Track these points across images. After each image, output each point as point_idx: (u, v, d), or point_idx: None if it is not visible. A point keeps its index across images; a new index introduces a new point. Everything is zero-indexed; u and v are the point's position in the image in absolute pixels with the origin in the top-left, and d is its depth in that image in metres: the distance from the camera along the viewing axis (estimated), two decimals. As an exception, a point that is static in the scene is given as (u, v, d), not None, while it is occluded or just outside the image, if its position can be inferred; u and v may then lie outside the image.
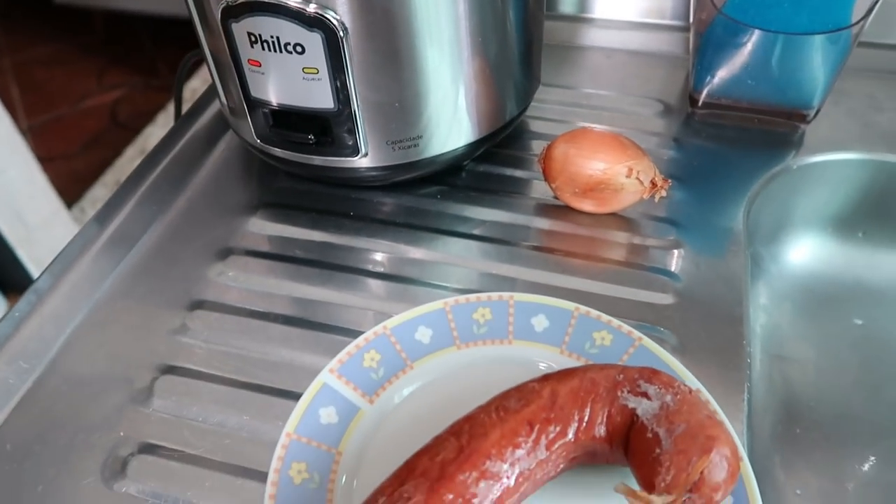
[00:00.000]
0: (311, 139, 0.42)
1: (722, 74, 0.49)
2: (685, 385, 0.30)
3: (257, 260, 0.45)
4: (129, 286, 0.44)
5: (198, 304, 0.42)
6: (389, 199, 0.48)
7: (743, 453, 0.31)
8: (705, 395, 0.33)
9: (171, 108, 1.93)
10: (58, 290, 0.43)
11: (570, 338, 0.36)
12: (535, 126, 0.53)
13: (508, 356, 0.37)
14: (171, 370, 0.39)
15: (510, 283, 0.42)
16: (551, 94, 0.55)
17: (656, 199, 0.43)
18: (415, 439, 0.30)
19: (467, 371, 0.36)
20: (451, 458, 0.28)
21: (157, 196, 0.49)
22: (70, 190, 1.69)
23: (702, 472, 0.27)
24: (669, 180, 0.43)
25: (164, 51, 2.16)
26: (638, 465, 0.29)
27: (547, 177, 0.44)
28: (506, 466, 0.28)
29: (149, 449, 0.35)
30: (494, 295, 0.38)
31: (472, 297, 0.38)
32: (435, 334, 0.37)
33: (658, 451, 0.28)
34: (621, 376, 0.30)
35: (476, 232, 0.46)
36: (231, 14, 0.38)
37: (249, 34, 0.38)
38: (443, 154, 0.45)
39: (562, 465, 0.30)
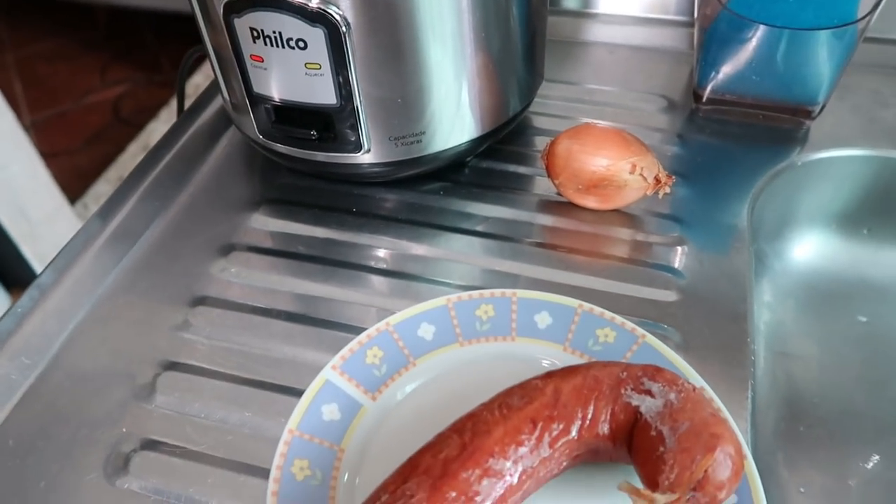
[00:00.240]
0: (313, 135, 0.42)
1: (726, 70, 0.49)
2: (689, 383, 0.30)
3: (260, 256, 0.44)
4: (132, 282, 0.43)
5: (200, 301, 0.42)
6: (392, 196, 0.48)
7: (747, 451, 0.31)
8: (709, 392, 0.33)
9: (173, 104, 1.93)
10: (60, 286, 0.43)
11: (573, 335, 0.36)
12: (539, 122, 0.53)
13: (511, 353, 0.36)
14: (173, 366, 0.39)
15: (513, 280, 0.42)
16: (554, 90, 0.55)
17: (660, 196, 0.43)
18: (417, 436, 0.30)
19: (470, 368, 0.36)
20: (454, 456, 0.28)
21: (160, 192, 0.49)
22: (73, 186, 1.69)
23: (706, 471, 0.26)
24: (673, 177, 0.43)
25: (167, 46, 2.16)
26: (641, 463, 0.28)
27: (550, 173, 0.44)
28: (509, 464, 0.28)
29: (151, 445, 0.35)
30: (497, 292, 0.38)
31: (475, 293, 0.38)
32: (438, 331, 0.37)
33: (662, 449, 0.28)
34: (625, 374, 0.30)
35: (479, 228, 0.45)
36: (233, 9, 0.38)
37: (252, 29, 0.38)
38: (446, 150, 0.45)
39: (565, 463, 0.30)
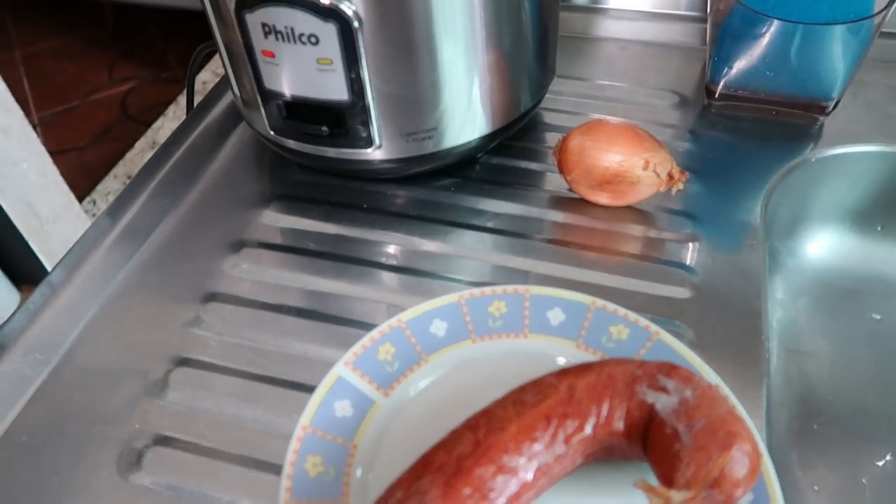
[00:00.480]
0: (324, 131, 0.42)
1: (739, 65, 0.48)
2: (704, 380, 0.29)
3: (271, 252, 0.44)
4: (143, 279, 0.44)
5: (211, 297, 0.42)
6: (403, 192, 0.48)
7: (763, 449, 0.30)
8: (725, 390, 0.33)
9: (181, 101, 1.93)
10: (71, 283, 0.43)
11: (586, 332, 0.36)
12: (550, 118, 0.53)
13: (524, 350, 0.36)
14: (185, 362, 0.39)
15: (524, 277, 0.42)
16: (566, 86, 0.55)
17: (673, 192, 0.43)
18: (430, 433, 0.29)
19: (482, 365, 0.36)
20: (468, 453, 0.28)
21: (170, 189, 0.49)
22: (81, 183, 1.69)
23: (722, 469, 0.26)
24: (687, 173, 0.42)
25: (174, 43, 2.16)
26: (657, 461, 0.28)
27: (562, 169, 0.44)
28: (523, 461, 0.28)
29: (164, 441, 0.35)
30: (510, 288, 0.38)
31: (488, 290, 0.38)
32: (450, 327, 0.37)
33: (678, 446, 0.27)
34: (640, 371, 0.30)
35: (490, 225, 0.45)
36: (245, 5, 0.37)
37: (263, 25, 0.38)
38: (457, 147, 0.45)
39: (579, 461, 0.29)
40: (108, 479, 0.34)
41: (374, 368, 0.35)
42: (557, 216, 0.45)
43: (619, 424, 0.29)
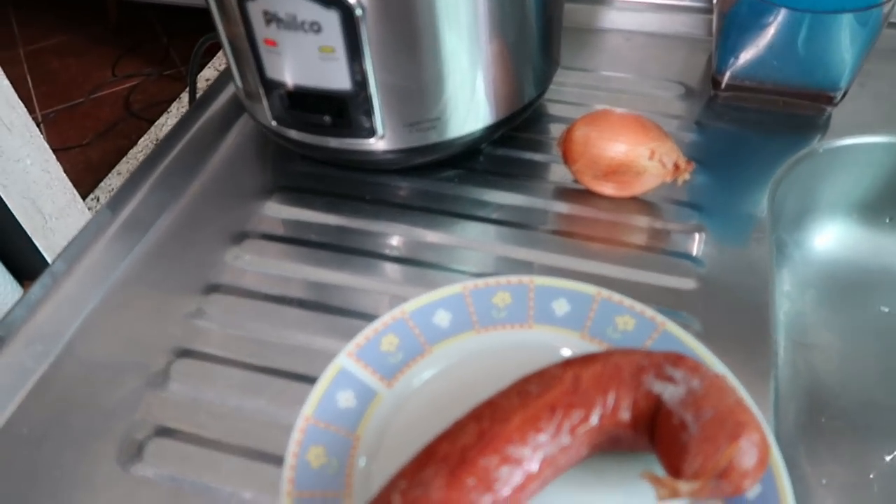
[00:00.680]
0: (327, 120, 0.41)
1: (746, 56, 0.48)
2: (712, 370, 0.29)
3: (273, 244, 0.44)
4: (145, 270, 0.43)
5: (213, 288, 0.42)
6: (406, 183, 0.47)
7: (772, 440, 0.30)
8: (732, 381, 0.32)
9: (184, 98, 1.93)
10: (73, 275, 0.43)
11: (591, 322, 0.36)
12: (554, 109, 0.52)
13: (528, 341, 0.36)
14: (187, 354, 0.38)
15: (528, 268, 0.41)
16: (570, 77, 0.54)
17: (679, 183, 0.42)
18: (434, 424, 0.29)
19: (486, 355, 0.35)
20: (472, 443, 0.27)
21: (171, 181, 0.49)
22: (84, 180, 1.69)
23: (731, 459, 0.26)
24: (693, 163, 0.42)
25: (177, 41, 2.16)
26: (664, 452, 0.28)
27: (567, 159, 0.44)
28: (528, 452, 0.27)
29: (165, 432, 0.35)
30: (514, 279, 0.37)
31: (492, 280, 0.37)
32: (454, 318, 0.36)
33: (685, 437, 0.27)
34: (646, 361, 0.29)
35: (494, 216, 0.45)
36: (247, -8, 0.37)
37: (265, 12, 0.37)
38: (460, 137, 0.44)
39: (585, 452, 0.29)
40: (109, 471, 0.34)
41: (378, 359, 0.35)
42: (562, 207, 0.45)
43: (626, 415, 0.29)
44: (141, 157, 1.76)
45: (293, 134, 0.44)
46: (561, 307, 0.36)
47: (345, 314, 0.40)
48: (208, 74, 1.97)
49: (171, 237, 0.45)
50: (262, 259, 0.43)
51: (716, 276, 0.40)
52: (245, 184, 0.49)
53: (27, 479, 0.34)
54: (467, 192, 0.46)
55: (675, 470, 0.27)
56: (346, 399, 0.33)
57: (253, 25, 0.39)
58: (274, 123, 0.44)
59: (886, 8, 0.43)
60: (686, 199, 0.45)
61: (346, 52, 0.38)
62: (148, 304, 0.41)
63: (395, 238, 0.44)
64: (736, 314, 0.38)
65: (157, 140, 1.80)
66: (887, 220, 0.51)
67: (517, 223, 0.44)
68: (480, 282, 0.37)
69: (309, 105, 0.42)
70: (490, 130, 0.45)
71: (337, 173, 0.48)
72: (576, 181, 0.45)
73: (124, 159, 1.77)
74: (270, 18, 0.37)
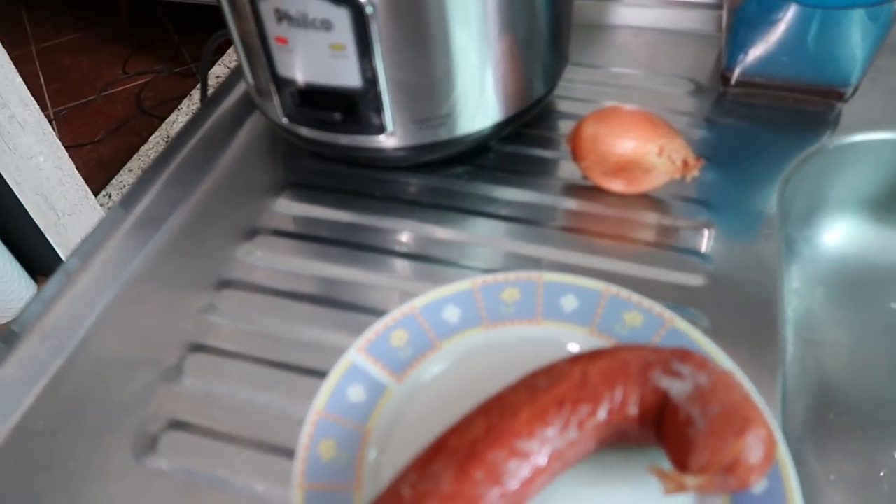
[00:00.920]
0: (337, 117, 0.42)
1: (756, 52, 0.48)
2: (719, 366, 0.29)
3: (284, 240, 0.45)
4: (158, 266, 0.44)
5: (225, 284, 0.42)
6: (416, 180, 0.48)
7: (779, 436, 0.30)
8: (740, 377, 0.33)
9: (195, 95, 1.94)
10: (87, 271, 0.43)
11: (599, 318, 0.36)
12: (563, 106, 0.52)
13: (537, 336, 0.36)
14: (199, 349, 0.39)
15: (537, 264, 0.42)
16: (579, 74, 0.54)
17: (688, 180, 0.42)
18: (443, 418, 0.29)
19: (495, 351, 0.36)
20: (481, 437, 0.28)
21: (184, 178, 0.49)
22: (96, 176, 1.71)
23: (737, 454, 0.26)
24: (702, 160, 0.42)
25: (189, 38, 2.17)
26: (671, 447, 0.28)
27: (576, 156, 0.44)
28: (536, 446, 0.28)
29: (179, 426, 0.35)
30: (523, 274, 0.38)
31: (501, 276, 0.38)
32: (463, 314, 0.37)
33: (692, 432, 0.27)
34: (654, 357, 0.30)
35: (503, 212, 0.45)
36: (258, -9, 0.37)
37: (277, 10, 0.38)
38: (470, 134, 0.44)
39: (592, 446, 0.29)
40: (123, 463, 0.34)
41: (388, 354, 0.35)
42: (571, 204, 0.45)
43: (633, 410, 0.29)
44: (152, 153, 1.77)
45: (304, 131, 0.45)
46: (569, 303, 0.37)
47: (355, 310, 0.40)
48: (219, 72, 1.98)
49: (183, 234, 0.46)
50: (273, 255, 0.44)
51: (724, 273, 0.40)
52: (256, 180, 0.49)
53: (43, 470, 0.34)
54: (477, 188, 0.47)
55: (682, 464, 0.27)
56: (356, 393, 0.34)
57: (264, 23, 0.39)
58: (285, 120, 0.45)
59: (897, 4, 0.43)
60: (695, 196, 0.45)
61: (356, 49, 0.38)
62: (161, 299, 0.42)
63: (405, 234, 0.44)
64: (744, 310, 0.38)
65: (168, 137, 1.81)
66: (897, 217, 0.51)
67: (526, 219, 0.44)
68: (489, 278, 0.38)
69: (319, 102, 0.42)
70: (499, 127, 0.46)
71: (347, 170, 0.49)
72: (585, 178, 0.45)
73: (136, 156, 1.78)
74: (282, 16, 0.38)
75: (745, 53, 0.48)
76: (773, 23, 0.46)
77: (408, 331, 0.36)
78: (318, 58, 0.39)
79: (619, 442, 0.30)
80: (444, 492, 0.26)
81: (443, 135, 0.44)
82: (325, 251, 0.44)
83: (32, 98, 1.23)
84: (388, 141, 0.43)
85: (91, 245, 0.45)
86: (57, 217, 1.32)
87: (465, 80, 0.41)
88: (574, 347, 0.36)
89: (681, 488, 0.26)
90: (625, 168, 0.42)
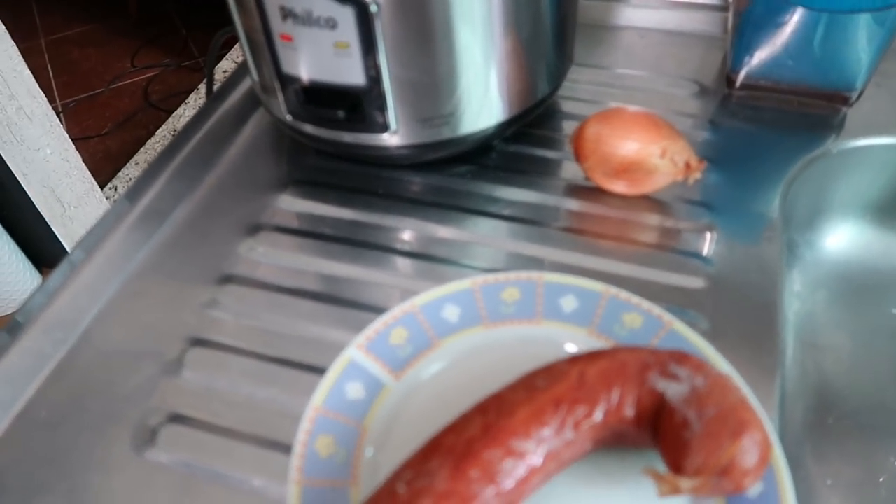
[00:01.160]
0: (341, 115, 0.42)
1: (761, 54, 0.48)
2: (716, 369, 0.29)
3: (287, 236, 0.45)
4: (161, 260, 0.44)
5: (228, 279, 0.42)
6: (419, 178, 0.48)
7: (775, 439, 0.30)
8: (737, 380, 0.33)
9: (202, 89, 1.95)
10: (91, 264, 0.44)
11: (599, 319, 0.36)
12: (567, 106, 0.52)
13: (536, 336, 0.36)
14: (201, 343, 0.39)
15: (539, 264, 0.42)
16: (584, 75, 0.54)
17: (690, 182, 0.42)
18: (441, 417, 0.30)
19: (494, 350, 0.36)
20: (477, 436, 0.28)
21: (188, 173, 0.50)
22: (103, 169, 1.72)
23: (732, 457, 0.26)
24: (704, 162, 0.42)
25: (197, 32, 2.18)
26: (667, 449, 0.28)
27: (578, 157, 0.44)
28: (532, 445, 0.28)
29: (179, 419, 0.36)
30: (523, 275, 0.38)
31: (501, 276, 0.38)
32: (463, 313, 0.37)
33: (687, 434, 0.27)
34: (651, 359, 0.30)
35: (505, 212, 0.45)
36: (263, -12, 0.38)
37: (282, 8, 0.38)
38: (473, 133, 0.44)
39: (588, 447, 0.29)
40: (123, 455, 0.35)
41: (387, 352, 0.35)
42: (573, 204, 0.45)
43: (630, 411, 0.29)
44: (158, 147, 1.78)
45: (308, 128, 0.45)
46: (569, 304, 0.37)
47: (356, 307, 0.40)
48: (226, 66, 1.98)
49: (187, 228, 0.46)
50: (275, 251, 0.44)
51: (725, 276, 0.40)
52: (260, 177, 0.49)
53: (44, 461, 0.35)
54: (479, 188, 0.47)
55: (677, 467, 0.27)
56: (355, 390, 0.34)
57: (269, 20, 0.39)
58: (289, 118, 0.45)
59: (904, 8, 0.43)
60: (698, 198, 0.45)
61: (360, 47, 0.38)
62: (163, 293, 0.42)
63: (407, 232, 0.44)
64: (744, 313, 0.38)
65: (175, 131, 1.82)
66: (901, 222, 0.51)
67: (529, 220, 0.45)
68: (490, 277, 0.38)
69: (323, 100, 0.42)
70: (503, 127, 0.46)
71: (350, 168, 0.49)
72: (587, 179, 0.45)
73: (142, 149, 1.79)
74: (287, 14, 0.38)
75: (751, 56, 0.48)
76: (778, 26, 0.45)
77: (408, 329, 0.36)
78: (322, 55, 0.39)
79: (615, 443, 0.30)
80: (439, 490, 0.26)
81: (446, 134, 0.44)
82: (327, 248, 0.44)
83: (40, 90, 1.23)
84: (392, 139, 0.43)
85: (96, 237, 0.45)
86: (63, 209, 1.32)
87: (468, 79, 0.41)
88: (573, 348, 0.36)
89: (675, 491, 0.26)
90: (627, 169, 0.42)
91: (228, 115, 0.54)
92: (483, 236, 0.44)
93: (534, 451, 0.28)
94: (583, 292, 0.37)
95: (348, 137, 0.44)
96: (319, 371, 0.36)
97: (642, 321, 0.35)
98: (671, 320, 0.35)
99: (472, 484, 0.26)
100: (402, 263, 0.43)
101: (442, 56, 0.40)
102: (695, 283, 0.40)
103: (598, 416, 0.29)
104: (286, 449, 0.34)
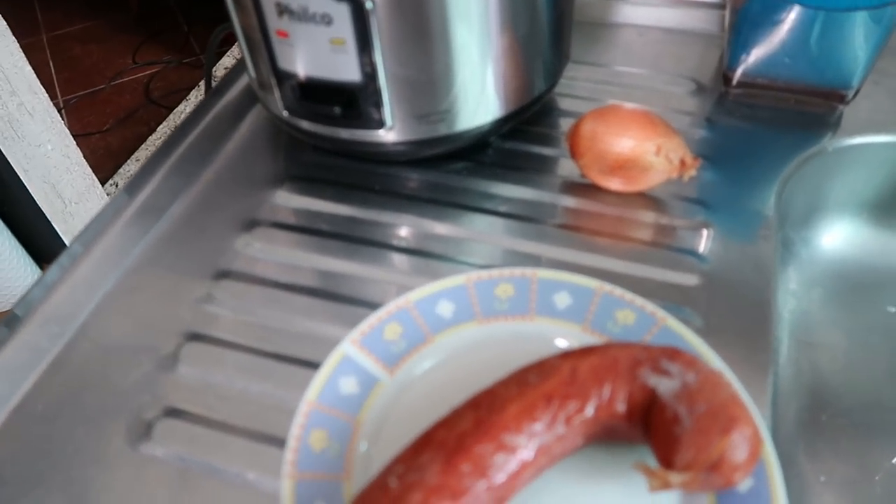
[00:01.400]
0: (337, 111, 0.42)
1: (758, 52, 0.48)
2: (707, 365, 0.29)
3: (283, 232, 0.45)
4: (158, 255, 0.44)
5: (224, 274, 0.42)
6: (415, 175, 0.48)
7: (766, 435, 0.30)
8: (728, 377, 0.33)
9: (203, 86, 1.95)
10: (88, 258, 0.44)
11: (592, 315, 0.36)
12: (564, 104, 0.52)
13: (529, 332, 0.36)
14: (196, 338, 0.39)
15: (535, 261, 0.42)
16: (582, 72, 0.54)
17: (685, 179, 0.43)
18: (433, 412, 0.30)
19: (487, 346, 0.36)
20: (469, 431, 0.28)
21: (186, 168, 0.50)
22: (104, 165, 1.72)
23: (722, 452, 0.26)
24: (699, 159, 0.42)
25: (197, 29, 2.18)
26: (657, 444, 0.28)
27: (574, 154, 0.44)
28: (523, 440, 0.28)
29: (174, 413, 0.36)
30: (517, 271, 0.38)
31: (495, 272, 0.38)
32: (457, 309, 0.37)
33: (678, 430, 0.27)
34: (643, 354, 0.30)
35: (501, 209, 0.45)
36: (260, -16, 0.38)
37: (278, 4, 0.38)
38: (469, 130, 0.45)
39: (580, 441, 0.30)
40: (119, 449, 0.35)
41: (381, 347, 0.35)
42: (569, 201, 0.45)
43: (621, 407, 0.29)
44: (160, 144, 1.78)
45: (304, 124, 0.45)
46: (562, 300, 0.37)
47: (352, 303, 0.40)
48: (227, 63, 1.98)
49: (184, 223, 0.46)
50: (272, 247, 0.44)
51: (720, 273, 0.40)
52: (257, 172, 0.49)
53: (40, 454, 0.35)
54: (475, 184, 0.47)
55: (668, 462, 0.27)
56: (348, 385, 0.34)
57: (266, 17, 0.39)
58: (286, 114, 0.45)
59: (900, 6, 0.43)
60: (693, 196, 0.45)
61: (356, 44, 0.38)
62: (160, 288, 0.42)
63: (404, 229, 0.45)
64: (738, 311, 0.38)
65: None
66: (897, 221, 0.51)
67: (525, 216, 0.45)
68: (484, 273, 0.38)
69: (320, 96, 0.42)
70: (499, 123, 0.46)
71: (347, 164, 0.49)
72: (583, 176, 0.45)
73: (143, 146, 1.79)
74: (283, 10, 0.38)
75: (748, 54, 0.48)
76: (775, 23, 0.45)
77: (402, 324, 0.36)
78: (318, 52, 0.39)
79: (606, 438, 0.30)
80: (430, 484, 0.26)
81: (442, 130, 0.44)
82: (323, 244, 0.44)
83: (42, 86, 1.23)
84: (388, 135, 0.43)
85: (94, 232, 0.45)
86: (64, 205, 1.33)
87: (464, 76, 0.42)
88: (565, 344, 0.36)
89: (666, 485, 0.26)
90: (622, 166, 0.42)
91: (226, 111, 0.55)
92: (479, 233, 0.44)
93: (525, 445, 0.28)
94: (576, 289, 0.37)
95: (344, 134, 0.44)
96: (314, 366, 0.36)
97: (635, 318, 0.36)
98: (664, 317, 0.35)
99: (463, 478, 0.27)
100: (399, 260, 0.43)
101: (438, 53, 0.40)
102: (690, 280, 0.40)
103: (590, 411, 0.29)
104: (280, 443, 0.34)
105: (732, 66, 0.50)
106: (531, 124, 0.50)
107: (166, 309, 0.41)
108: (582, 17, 0.59)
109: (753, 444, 0.27)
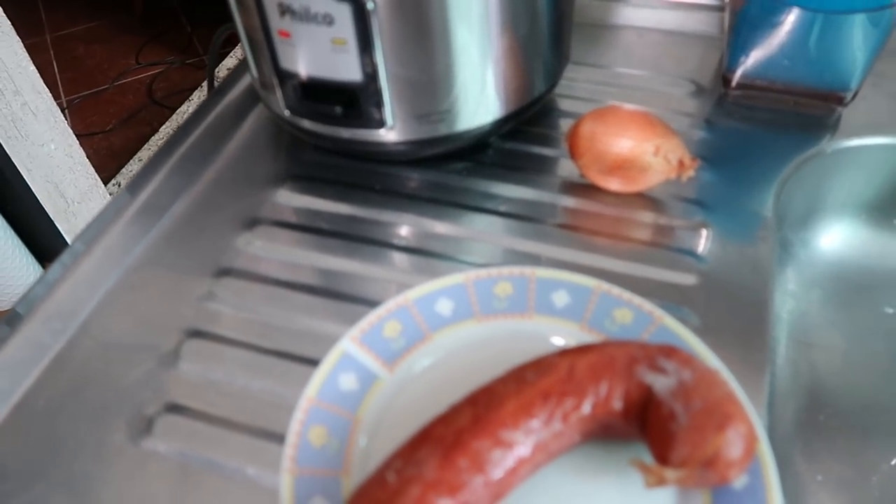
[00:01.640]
0: (338, 111, 0.42)
1: (757, 54, 0.48)
2: (703, 363, 0.30)
3: (284, 231, 0.45)
4: (160, 253, 0.45)
5: (225, 272, 0.43)
6: (415, 174, 0.48)
7: (762, 433, 0.30)
8: (725, 375, 0.33)
9: (206, 86, 1.95)
10: (90, 255, 0.44)
11: (590, 314, 0.36)
12: (564, 104, 0.53)
13: (527, 330, 0.37)
14: (197, 334, 0.40)
15: (534, 261, 0.42)
16: (582, 73, 0.55)
17: (683, 180, 0.43)
18: (432, 409, 0.30)
19: (486, 344, 0.36)
20: (467, 427, 0.28)
21: (188, 167, 0.50)
22: (106, 165, 1.72)
23: (717, 449, 0.26)
24: (697, 160, 0.42)
25: (200, 29, 2.18)
26: (653, 441, 0.29)
27: (573, 154, 0.44)
28: (520, 436, 0.28)
29: (175, 409, 0.36)
30: (516, 270, 0.38)
31: (494, 271, 0.38)
32: (456, 307, 0.37)
33: (674, 427, 0.28)
34: (640, 352, 0.30)
35: (501, 209, 0.46)
36: (262, -16, 0.38)
37: (280, 4, 0.38)
38: (470, 130, 0.45)
39: (577, 438, 0.30)
40: (120, 444, 0.35)
41: (380, 344, 0.36)
42: (568, 201, 0.46)
43: (618, 404, 0.29)
44: (162, 144, 1.79)
45: (306, 124, 0.45)
46: (561, 299, 0.37)
47: (352, 301, 0.41)
48: (230, 63, 1.99)
49: (185, 222, 0.46)
50: (273, 245, 0.44)
51: (718, 273, 0.41)
52: (258, 171, 0.50)
53: (42, 449, 0.35)
54: (475, 184, 0.47)
55: (663, 458, 0.27)
56: (348, 382, 0.34)
57: (268, 17, 0.40)
58: (287, 113, 0.45)
59: (899, 9, 0.43)
60: (692, 196, 0.45)
61: (357, 44, 0.39)
62: (162, 285, 0.43)
63: (404, 228, 0.45)
64: (735, 311, 0.39)
65: (179, 128, 1.82)
66: (895, 222, 0.51)
67: (524, 216, 0.45)
68: (483, 272, 0.38)
69: (321, 96, 0.43)
70: (499, 124, 0.46)
71: (348, 163, 0.49)
72: (582, 176, 0.45)
73: (146, 146, 1.80)
74: (284, 10, 0.38)
75: (747, 56, 0.49)
76: (774, 26, 0.46)
77: (401, 322, 0.36)
78: (319, 52, 0.39)
79: (603, 435, 0.30)
80: (428, 478, 0.27)
81: (442, 130, 0.44)
82: (324, 242, 0.44)
83: (45, 86, 1.24)
84: (389, 135, 0.44)
85: (96, 230, 0.46)
86: (66, 205, 1.33)
87: (465, 76, 0.42)
88: (563, 342, 0.36)
89: (661, 482, 0.27)
90: (621, 167, 0.42)
91: (228, 110, 0.55)
92: (479, 232, 0.44)
93: (522, 441, 0.28)
94: (575, 288, 0.37)
95: (345, 133, 0.45)
96: (314, 363, 0.37)
97: (633, 317, 0.36)
98: (661, 316, 0.36)
99: (460, 473, 0.27)
100: (399, 258, 0.43)
101: (438, 53, 0.40)
102: (688, 280, 0.40)
103: (587, 408, 0.29)
104: (280, 439, 0.34)
105: (732, 68, 0.50)
106: (531, 125, 0.50)
107: (167, 306, 0.41)
108: (582, 19, 0.59)
109: (749, 440, 0.27)
